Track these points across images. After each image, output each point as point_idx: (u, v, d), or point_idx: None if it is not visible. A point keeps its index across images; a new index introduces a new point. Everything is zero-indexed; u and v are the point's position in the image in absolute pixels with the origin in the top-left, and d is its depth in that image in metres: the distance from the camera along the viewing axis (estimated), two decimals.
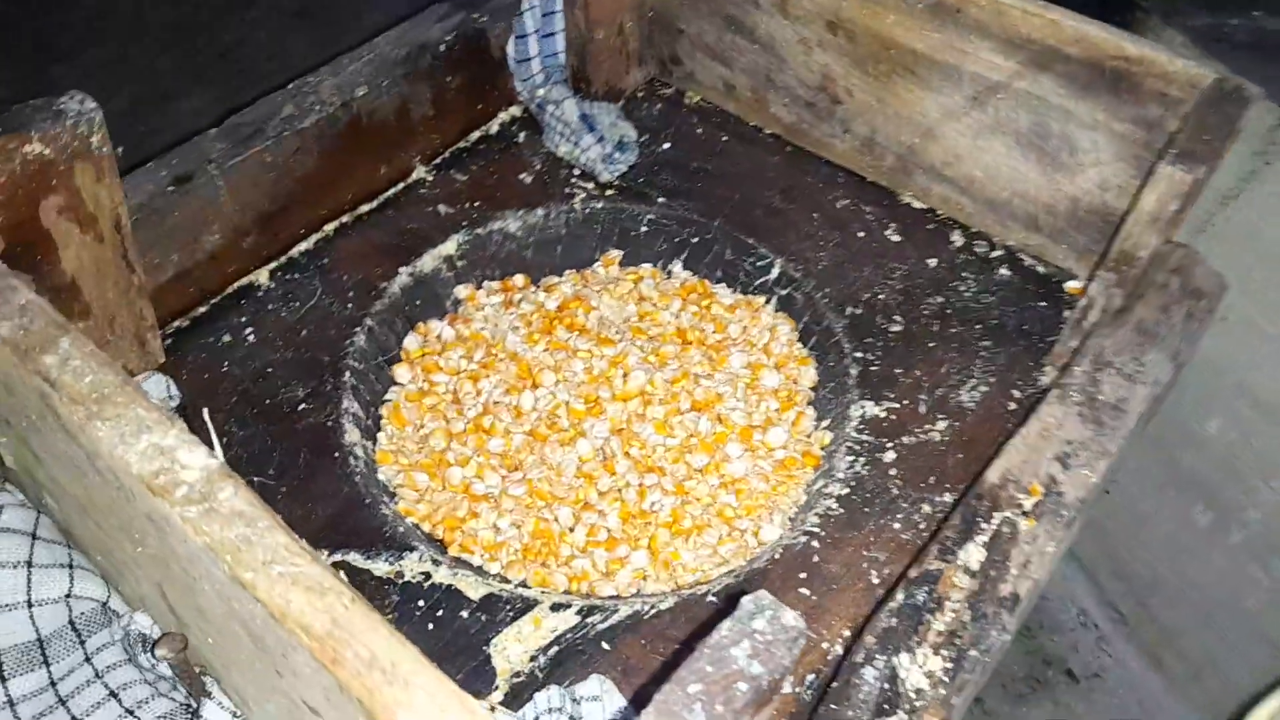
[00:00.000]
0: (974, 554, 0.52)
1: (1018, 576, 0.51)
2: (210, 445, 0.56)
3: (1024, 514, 0.54)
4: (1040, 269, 0.81)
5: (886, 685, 0.47)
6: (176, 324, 0.72)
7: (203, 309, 0.73)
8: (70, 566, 0.50)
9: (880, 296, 0.79)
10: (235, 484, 0.36)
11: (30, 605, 0.48)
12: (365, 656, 0.32)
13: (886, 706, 0.46)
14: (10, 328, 0.40)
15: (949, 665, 0.48)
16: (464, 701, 0.31)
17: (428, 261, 0.79)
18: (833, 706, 0.46)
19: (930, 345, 0.76)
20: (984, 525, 0.53)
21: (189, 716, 0.48)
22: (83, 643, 0.50)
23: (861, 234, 0.83)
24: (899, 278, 0.80)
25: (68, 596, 0.49)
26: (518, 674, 0.56)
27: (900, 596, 0.51)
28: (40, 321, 0.40)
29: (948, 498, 0.66)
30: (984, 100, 0.76)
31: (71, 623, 0.50)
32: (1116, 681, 1.08)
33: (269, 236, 0.76)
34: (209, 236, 0.71)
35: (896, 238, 0.83)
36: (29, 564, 0.49)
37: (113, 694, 0.49)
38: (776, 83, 0.88)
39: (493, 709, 0.49)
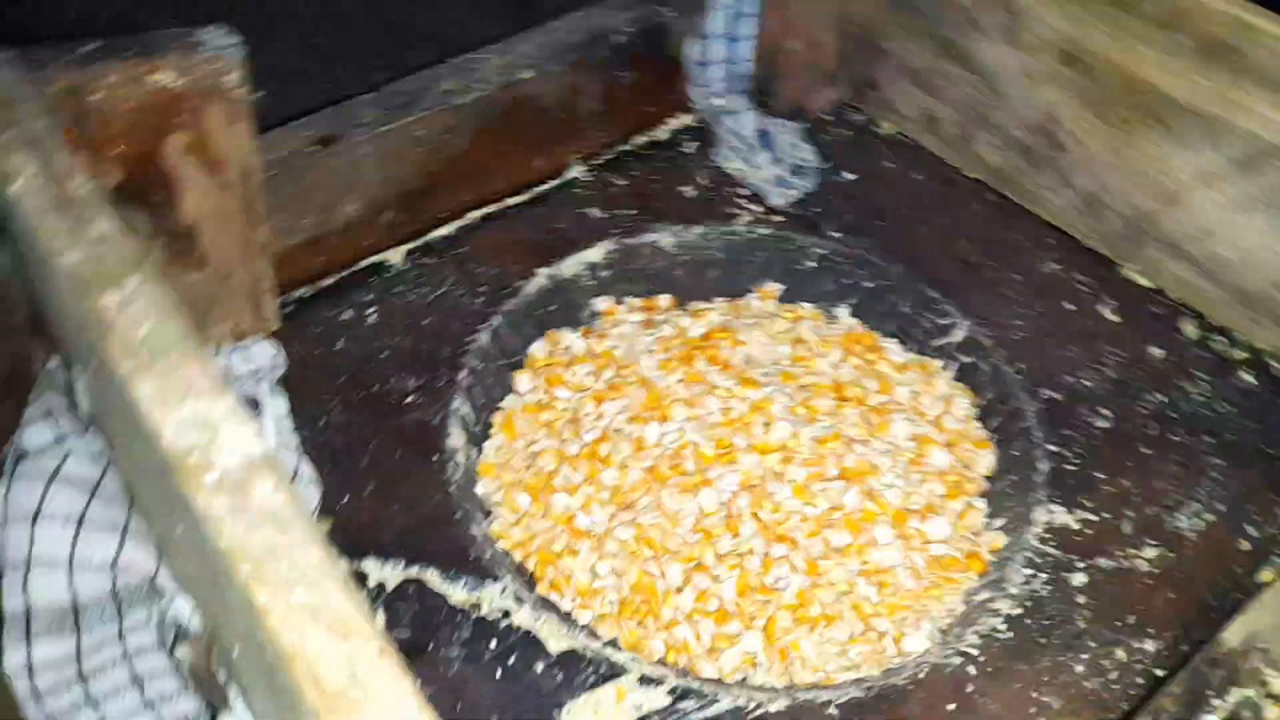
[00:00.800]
0: None
1: None
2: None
3: (1272, 698, 0.41)
4: None
5: None
6: (300, 292, 0.68)
7: (329, 281, 0.69)
8: (124, 530, 0.46)
9: (1087, 383, 0.67)
10: (277, 479, 0.29)
11: (72, 566, 0.44)
12: None
13: None
14: (79, 258, 0.35)
15: None
16: None
17: (570, 265, 0.73)
18: None
19: (1145, 452, 0.63)
20: (1215, 702, 0.41)
21: None
22: (120, 617, 0.45)
23: (1071, 307, 0.71)
24: (1113, 365, 0.68)
25: (113, 564, 0.45)
26: None
27: None
28: (114, 256, 0.35)
29: (1149, 646, 0.53)
30: (1256, 165, 0.63)
31: (114, 593, 0.45)
32: None
33: (409, 215, 0.71)
34: (346, 206, 0.67)
35: (1114, 317, 0.71)
36: (80, 520, 0.44)
37: (136, 681, 0.43)
38: (989, 120, 0.77)
39: None
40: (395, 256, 0.71)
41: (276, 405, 0.57)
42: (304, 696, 0.24)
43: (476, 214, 0.75)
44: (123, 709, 0.42)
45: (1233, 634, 0.43)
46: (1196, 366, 0.68)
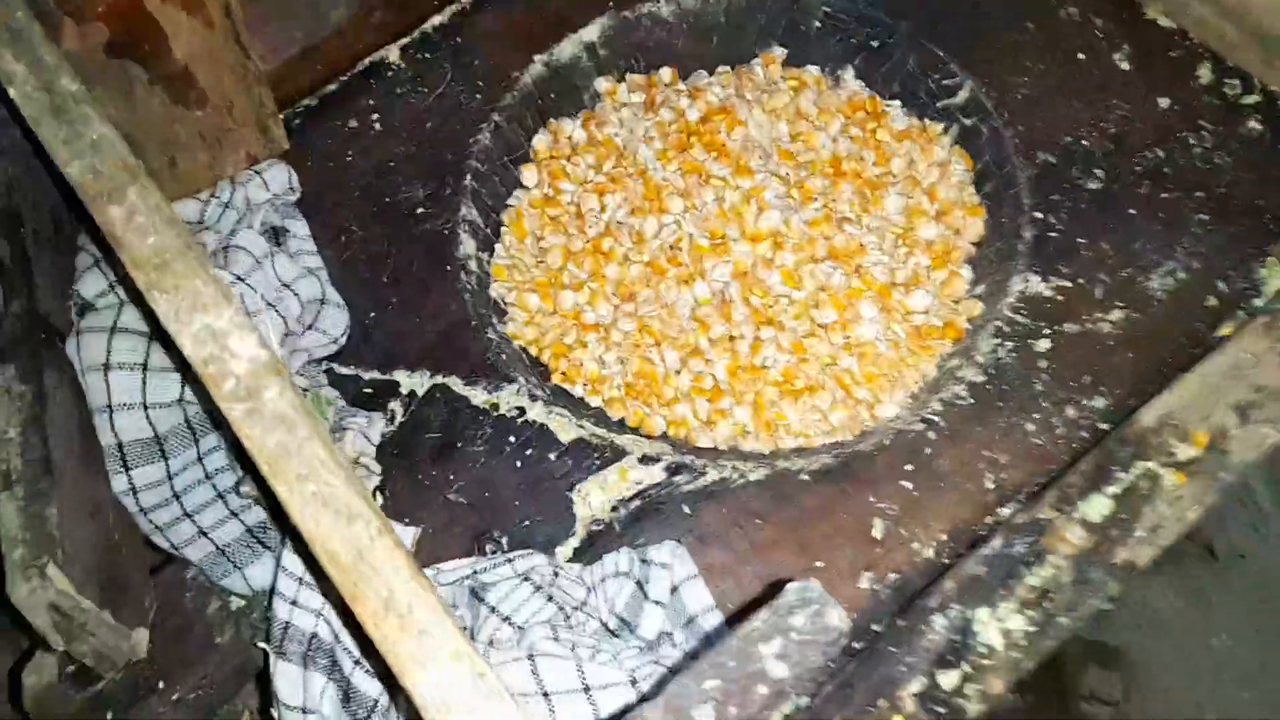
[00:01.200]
0: (1097, 506, 0.46)
1: (1141, 541, 0.45)
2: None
3: (1175, 466, 0.47)
4: None
5: (956, 637, 0.44)
6: (304, 104, 0.70)
7: (331, 88, 0.70)
8: (183, 370, 0.53)
9: (1084, 142, 0.66)
10: (281, 382, 0.35)
11: (146, 407, 0.52)
12: (383, 596, 0.31)
13: (950, 659, 0.43)
14: (80, 168, 0.39)
15: (1032, 628, 0.44)
16: (472, 661, 0.31)
17: (566, 49, 0.72)
18: (890, 649, 0.44)
19: (1130, 212, 0.64)
20: (1120, 474, 0.46)
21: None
22: (196, 442, 0.53)
23: (1083, 56, 0.69)
24: (1115, 120, 0.66)
25: (180, 400, 0.52)
26: (597, 522, 0.56)
27: (997, 543, 0.46)
28: (110, 162, 0.39)
29: (1100, 403, 0.58)
30: None
31: (187, 422, 0.53)
32: (1262, 567, 1.00)
33: (400, 9, 0.70)
34: (335, 9, 0.67)
35: (1126, 65, 0.68)
36: (145, 366, 0.52)
37: (220, 495, 0.53)
38: None
39: (557, 573, 0.50)
40: (393, 54, 0.71)
41: (297, 229, 0.62)
42: (325, 569, 0.32)
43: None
44: (212, 519, 0.51)
45: (1149, 413, 0.47)
46: (1204, 116, 0.66)
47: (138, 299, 0.45)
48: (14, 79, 0.41)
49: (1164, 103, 0.67)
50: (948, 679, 0.43)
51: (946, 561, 0.54)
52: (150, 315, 0.44)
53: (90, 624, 0.43)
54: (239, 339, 0.36)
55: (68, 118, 0.40)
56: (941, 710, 0.42)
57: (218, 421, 0.53)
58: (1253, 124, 0.65)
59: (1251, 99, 0.66)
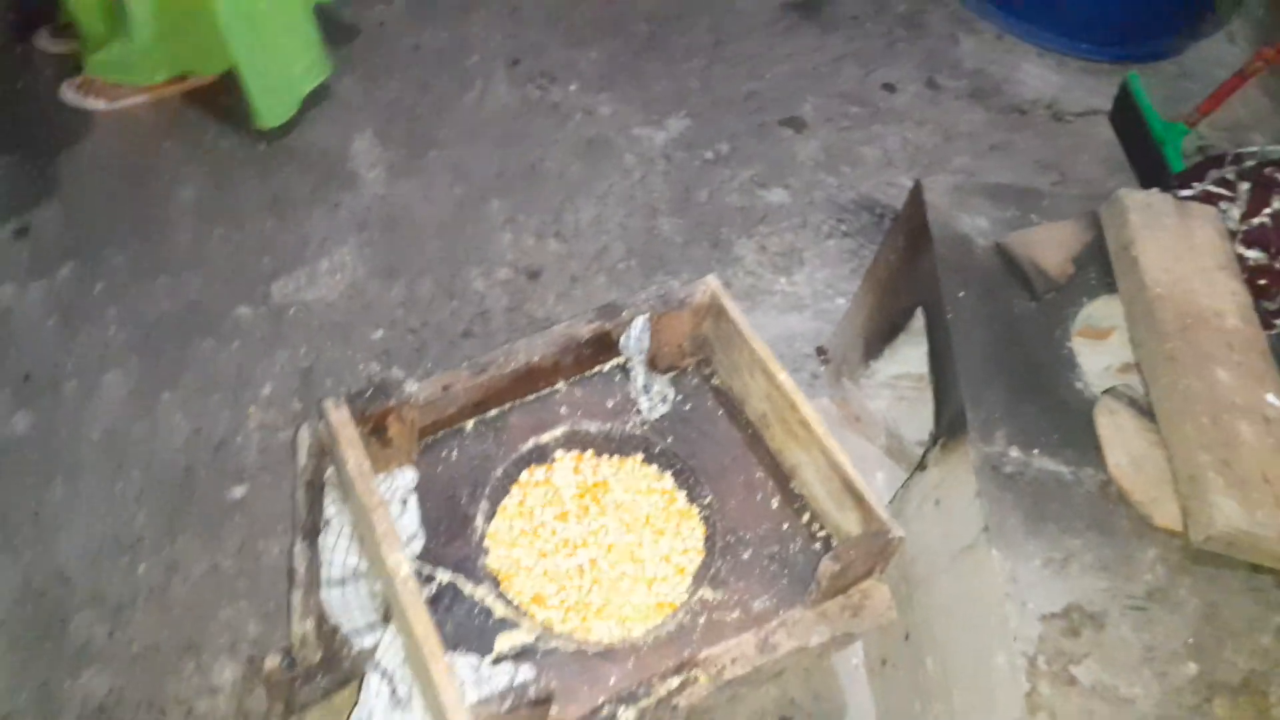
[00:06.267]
0: None
1: None
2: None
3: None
4: None
5: None
6: (425, 440, 1.48)
7: (435, 436, 1.48)
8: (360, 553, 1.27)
9: (745, 534, 1.42)
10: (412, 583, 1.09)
11: (346, 563, 1.26)
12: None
13: None
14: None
15: None
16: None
17: (546, 437, 1.51)
18: None
19: (756, 571, 1.38)
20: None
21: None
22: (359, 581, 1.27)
23: (758, 495, 1.46)
24: (764, 530, 1.42)
25: (356, 567, 1.27)
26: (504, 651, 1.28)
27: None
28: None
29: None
30: None
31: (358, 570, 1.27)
32: None
33: (478, 406, 1.49)
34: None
35: (775, 503, 1.45)
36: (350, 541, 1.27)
37: (374, 610, 1.26)
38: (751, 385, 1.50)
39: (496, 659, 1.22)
40: (469, 425, 1.50)
41: (413, 501, 1.38)
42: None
43: (508, 406, 1.52)
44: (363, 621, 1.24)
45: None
46: (799, 536, 1.42)
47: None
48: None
49: (784, 525, 1.43)
50: None
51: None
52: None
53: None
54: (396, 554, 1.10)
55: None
56: None
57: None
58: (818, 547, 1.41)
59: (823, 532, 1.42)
